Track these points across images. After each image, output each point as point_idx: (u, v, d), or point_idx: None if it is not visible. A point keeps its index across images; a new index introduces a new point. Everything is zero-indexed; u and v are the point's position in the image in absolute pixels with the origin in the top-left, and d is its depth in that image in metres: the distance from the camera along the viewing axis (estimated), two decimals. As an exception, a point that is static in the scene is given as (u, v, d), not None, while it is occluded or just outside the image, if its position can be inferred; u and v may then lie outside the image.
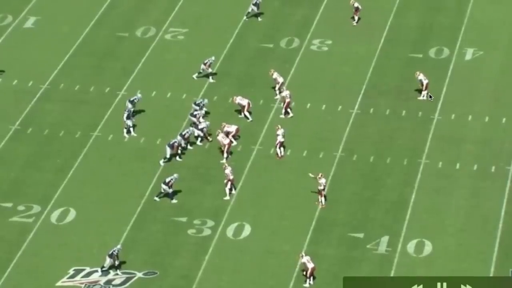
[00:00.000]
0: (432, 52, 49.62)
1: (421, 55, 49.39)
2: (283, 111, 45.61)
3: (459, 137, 44.57)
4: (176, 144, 43.35)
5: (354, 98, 46.97)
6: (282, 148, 43.34)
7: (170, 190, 41.30)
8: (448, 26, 51.01)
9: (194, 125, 44.52)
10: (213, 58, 47.99)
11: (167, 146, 43.35)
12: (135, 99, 45.78)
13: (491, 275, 38.14)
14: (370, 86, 47.61)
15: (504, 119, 45.45)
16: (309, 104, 46.76)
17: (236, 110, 46.03)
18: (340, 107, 46.52)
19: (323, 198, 41.06)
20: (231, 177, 41.47)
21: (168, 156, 43.36)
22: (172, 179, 41.30)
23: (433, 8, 52.38)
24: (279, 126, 43.53)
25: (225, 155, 43.29)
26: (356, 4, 50.74)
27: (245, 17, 51.66)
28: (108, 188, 42.56)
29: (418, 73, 46.35)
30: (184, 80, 48.48)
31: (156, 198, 41.52)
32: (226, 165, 41.73)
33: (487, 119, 45.53)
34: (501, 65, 48.48)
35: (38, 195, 42.25)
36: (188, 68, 49.09)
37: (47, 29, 52.16)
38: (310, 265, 37.51)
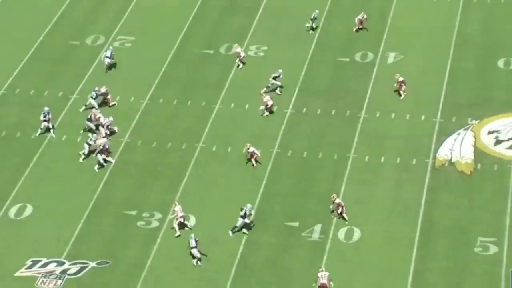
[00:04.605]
0: (357, 56, 49.66)
1: (348, 59, 49.41)
2: (267, 111, 44.89)
3: (383, 133, 44.65)
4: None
5: (288, 99, 46.79)
6: (254, 161, 42.16)
7: (247, 221, 38.92)
8: (371, 33, 51.09)
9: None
10: (280, 71, 46.35)
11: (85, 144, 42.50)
12: (95, 92, 45.17)
13: (413, 258, 38.25)
14: (303, 88, 47.49)
15: (423, 117, 45.66)
16: (247, 105, 46.49)
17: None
18: (276, 107, 46.29)
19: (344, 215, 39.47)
20: (180, 215, 39.24)
21: (86, 152, 42.63)
22: (246, 209, 38.80)
23: (357, 15, 52.38)
24: (249, 145, 42.23)
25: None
26: (365, 16, 50.14)
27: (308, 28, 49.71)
28: (62, 185, 41.88)
29: (398, 75, 46.00)
30: (132, 84, 47.88)
31: (230, 233, 39.07)
32: (176, 203, 39.63)
33: (408, 116, 45.69)
34: (419, 67, 48.73)
35: (-3, 192, 41.49)
36: (135, 72, 48.52)
37: (3, 37, 51.18)
38: (322, 281, 36.24)
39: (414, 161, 43.01)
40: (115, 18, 52.64)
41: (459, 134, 44.38)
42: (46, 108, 44.50)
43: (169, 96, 47.15)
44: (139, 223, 40.05)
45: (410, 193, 41.30)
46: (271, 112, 45.34)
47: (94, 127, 43.75)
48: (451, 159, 42.94)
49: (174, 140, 44.43)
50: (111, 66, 47.97)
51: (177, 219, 39.34)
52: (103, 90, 45.58)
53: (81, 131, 44.01)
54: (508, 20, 51.61)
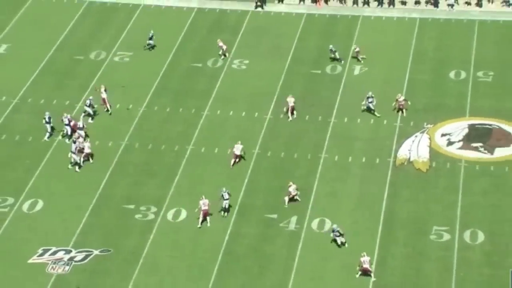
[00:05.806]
0: (328, 69, 50.05)
1: (319, 71, 49.77)
2: (290, 113, 45.12)
3: (351, 136, 45.04)
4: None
5: (267, 106, 47.13)
6: (237, 159, 42.20)
7: (342, 238, 37.89)
8: (340, 48, 51.46)
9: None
10: (370, 93, 45.16)
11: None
12: (90, 100, 45.62)
13: (377, 245, 38.66)
14: (280, 96, 47.79)
15: (385, 121, 46.11)
16: (231, 112, 46.80)
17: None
18: (256, 113, 46.64)
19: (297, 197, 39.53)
20: (204, 208, 38.89)
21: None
22: (335, 230, 37.79)
23: (328, 33, 52.87)
24: (239, 143, 42.56)
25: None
26: (357, 49, 49.41)
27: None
28: (69, 183, 42.11)
29: (399, 95, 45.67)
30: (130, 94, 48.09)
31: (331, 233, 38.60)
32: (203, 197, 39.26)
33: (372, 121, 46.11)
34: (382, 78, 49.14)
35: (12, 189, 41.62)
36: (133, 83, 48.74)
37: (17, 54, 51.32)
38: (365, 265, 36.26)
39: (377, 160, 43.47)
40: (115, 36, 52.84)
41: (416, 136, 44.91)
42: (47, 113, 44.61)
43: (163, 104, 47.43)
44: (137, 216, 40.30)
45: (374, 188, 41.72)
46: (292, 113, 45.17)
47: (69, 130, 43.82)
48: (409, 158, 43.44)
49: (167, 142, 44.70)
50: (152, 47, 50.02)
51: (201, 211, 39.13)
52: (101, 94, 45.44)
53: (62, 134, 44.04)
54: (458, 37, 52.21)
